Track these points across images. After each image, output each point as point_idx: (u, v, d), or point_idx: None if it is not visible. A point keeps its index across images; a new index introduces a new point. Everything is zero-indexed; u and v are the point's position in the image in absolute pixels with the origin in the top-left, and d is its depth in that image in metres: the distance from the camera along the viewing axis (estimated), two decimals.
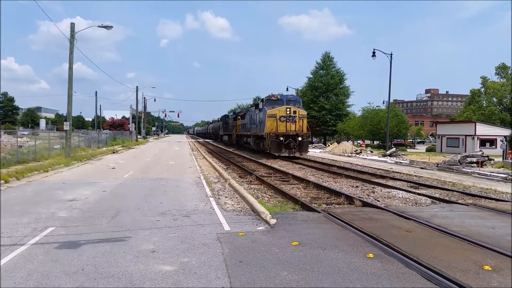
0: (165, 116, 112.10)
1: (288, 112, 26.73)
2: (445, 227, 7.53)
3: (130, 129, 68.27)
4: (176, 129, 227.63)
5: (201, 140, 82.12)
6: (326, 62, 62.14)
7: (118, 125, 76.36)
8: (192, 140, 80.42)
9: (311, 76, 62.89)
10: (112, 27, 25.94)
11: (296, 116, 26.85)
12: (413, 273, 5.10)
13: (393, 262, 5.51)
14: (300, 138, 26.49)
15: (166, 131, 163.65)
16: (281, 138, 26.04)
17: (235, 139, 43.35)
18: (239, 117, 41.13)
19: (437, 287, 4.67)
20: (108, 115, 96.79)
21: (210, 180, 14.88)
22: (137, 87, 63.57)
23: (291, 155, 26.69)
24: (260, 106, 29.59)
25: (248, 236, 6.95)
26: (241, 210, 9.43)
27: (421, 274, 5.03)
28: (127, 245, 6.45)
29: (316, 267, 5.29)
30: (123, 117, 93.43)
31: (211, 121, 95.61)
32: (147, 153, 34.25)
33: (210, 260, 5.64)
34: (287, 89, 43.05)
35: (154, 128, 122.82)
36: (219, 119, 64.45)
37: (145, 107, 79.35)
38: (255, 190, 12.69)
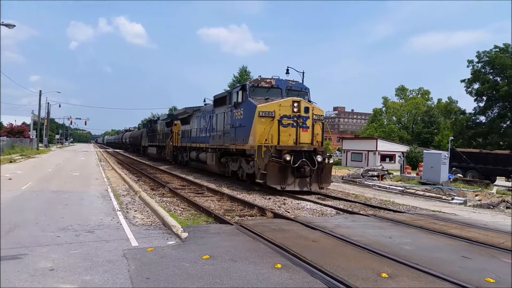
0: (71, 123, 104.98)
1: (295, 110, 15.62)
2: (347, 237, 7.99)
3: (31, 137, 62.75)
4: (83, 137, 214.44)
5: (110, 150, 78.17)
6: (243, 76, 63.23)
7: (17, 132, 69.65)
8: (101, 150, 76.25)
9: (229, 88, 63.58)
10: (14, 26, 23.94)
11: (309, 117, 15.94)
12: (317, 281, 5.32)
13: (299, 271, 5.70)
14: (319, 158, 15.50)
15: (72, 139, 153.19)
16: (288, 158, 14.85)
17: (171, 153, 31.45)
18: (177, 121, 30.18)
19: None
20: (6, 120, 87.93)
21: (119, 193, 14.20)
22: (40, 91, 58.85)
23: (305, 189, 15.37)
24: (238, 98, 17.28)
25: (157, 251, 6.73)
26: (151, 224, 9.11)
27: (325, 283, 5.27)
28: (22, 263, 5.87)
29: (226, 280, 5.28)
30: (24, 123, 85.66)
31: (123, 130, 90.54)
32: (49, 163, 31.73)
33: (114, 277, 5.34)
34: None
35: (57, 136, 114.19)
36: (142, 126, 56.58)
37: (48, 113, 73.66)
38: (167, 203, 12.37)
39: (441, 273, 5.70)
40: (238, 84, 17.55)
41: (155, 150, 38.66)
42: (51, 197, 12.94)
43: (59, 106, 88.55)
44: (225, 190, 15.79)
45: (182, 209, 11.62)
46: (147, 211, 10.81)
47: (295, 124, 15.68)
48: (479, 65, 48.53)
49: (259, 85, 17.05)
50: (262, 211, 11.02)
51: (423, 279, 5.54)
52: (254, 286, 5.11)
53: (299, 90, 17.65)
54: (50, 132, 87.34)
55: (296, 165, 14.89)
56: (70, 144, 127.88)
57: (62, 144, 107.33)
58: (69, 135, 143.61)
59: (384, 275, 5.66)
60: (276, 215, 10.50)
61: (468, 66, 49.54)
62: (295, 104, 15.68)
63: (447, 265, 6.28)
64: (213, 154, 20.85)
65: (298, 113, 15.66)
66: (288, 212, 11.40)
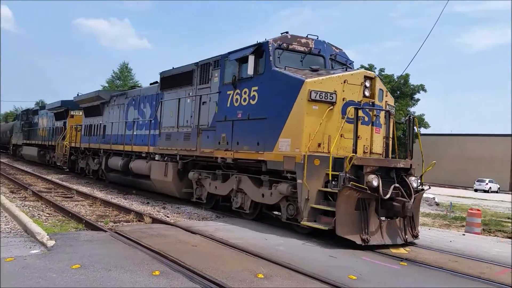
0: None
1: (367, 93, 8.91)
2: (227, 240, 8.14)
3: None
4: None
5: None
6: (124, 73, 60.39)
7: None
8: None
9: (107, 85, 59.98)
10: None
11: (382, 107, 9.41)
12: (196, 286, 5.31)
13: (178, 277, 5.63)
14: (414, 183, 8.57)
15: None
16: (375, 183, 7.76)
17: (65, 157, 22.69)
18: (75, 112, 23.08)
19: None
20: None
21: None
22: None
23: (398, 240, 8.23)
24: (246, 70, 9.76)
25: (18, 261, 5.99)
26: (10, 231, 8.10)
27: (204, 287, 5.28)
28: None
29: None
30: None
31: None
32: None
33: None
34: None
35: None
36: (13, 118, 45.92)
37: None
38: (30, 208, 11.16)
39: (311, 272, 6.14)
40: (247, 46, 10.09)
41: (36, 152, 28.59)
42: None
43: None
44: (98, 194, 14.84)
45: (48, 215, 10.62)
46: (5, 217, 9.58)
47: (366, 118, 8.93)
48: None
49: (290, 47, 9.75)
50: (139, 216, 10.61)
51: (295, 278, 5.90)
52: None
53: (344, 63, 10.58)
54: None
55: (388, 195, 8.05)
56: None
57: None
58: None
59: (260, 275, 5.89)
60: (155, 220, 10.21)
61: None
62: (368, 84, 8.96)
63: (316, 264, 6.79)
64: (166, 164, 13.03)
65: (372, 100, 9.06)
66: (168, 217, 11.16)
